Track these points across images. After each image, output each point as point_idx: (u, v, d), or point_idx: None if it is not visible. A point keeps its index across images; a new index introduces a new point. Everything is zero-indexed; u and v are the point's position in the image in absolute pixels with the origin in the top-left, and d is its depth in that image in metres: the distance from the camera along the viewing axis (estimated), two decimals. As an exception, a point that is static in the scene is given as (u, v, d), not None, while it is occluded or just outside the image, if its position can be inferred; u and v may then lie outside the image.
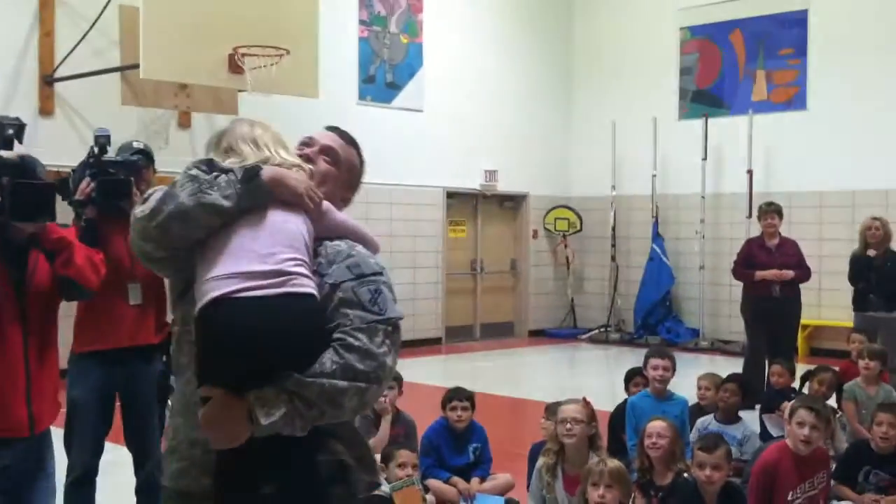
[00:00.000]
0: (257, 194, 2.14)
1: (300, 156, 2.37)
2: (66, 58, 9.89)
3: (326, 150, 2.44)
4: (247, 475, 2.07)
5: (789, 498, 4.69)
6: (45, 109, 10.06)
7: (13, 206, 2.94)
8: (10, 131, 3.38)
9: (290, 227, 2.16)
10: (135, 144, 4.68)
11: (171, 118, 10.80)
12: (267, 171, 2.18)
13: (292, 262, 2.09)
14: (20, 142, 3.16)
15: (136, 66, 8.69)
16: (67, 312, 4.11)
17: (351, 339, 2.08)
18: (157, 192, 2.18)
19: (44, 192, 3.17)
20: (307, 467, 2.11)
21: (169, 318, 2.47)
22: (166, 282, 2.35)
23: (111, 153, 4.49)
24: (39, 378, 3.28)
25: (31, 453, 3.32)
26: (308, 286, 2.09)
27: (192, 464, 2.16)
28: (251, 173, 2.15)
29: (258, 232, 2.12)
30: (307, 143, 2.46)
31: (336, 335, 2.09)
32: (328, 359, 2.06)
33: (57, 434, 4.49)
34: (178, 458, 2.20)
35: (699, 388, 6.51)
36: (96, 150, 4.39)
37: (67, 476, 4.44)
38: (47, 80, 10.05)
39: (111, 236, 4.24)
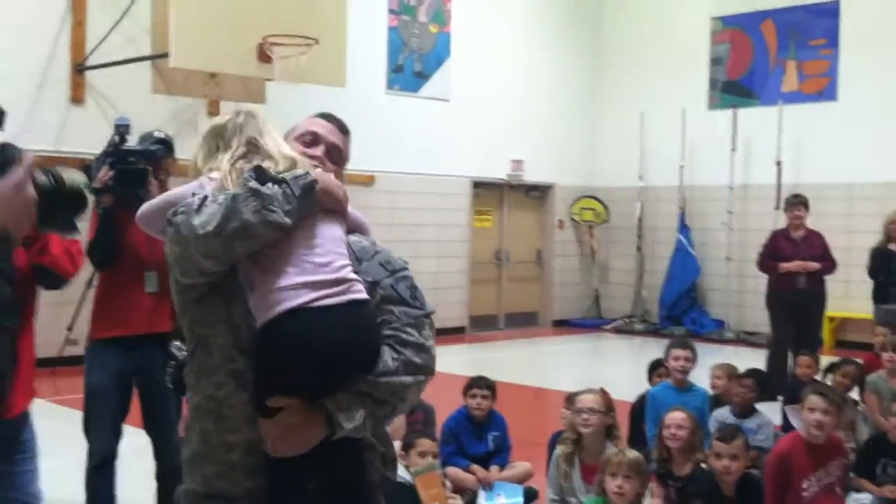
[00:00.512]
0: (310, 206, 2.16)
1: (310, 157, 2.35)
2: (97, 46, 10.01)
3: (332, 149, 2.43)
4: (301, 474, 2.11)
5: (804, 486, 4.71)
6: (77, 98, 10.19)
7: None
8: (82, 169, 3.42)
9: (337, 233, 2.21)
10: (156, 134, 4.74)
11: (200, 107, 10.90)
12: (319, 183, 2.19)
13: (347, 269, 2.15)
14: (1, 128, 3.18)
15: (167, 55, 8.79)
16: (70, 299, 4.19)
17: (404, 336, 2.16)
18: (212, 205, 2.07)
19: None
20: (356, 463, 2.19)
21: None
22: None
23: (132, 142, 4.56)
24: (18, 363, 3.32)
25: (4, 437, 3.35)
26: (363, 291, 2.15)
27: (232, 467, 2.14)
28: (308, 187, 2.13)
29: (313, 240, 2.15)
30: (311, 141, 2.41)
31: (387, 332, 2.15)
32: (388, 357, 2.13)
33: (76, 420, 4.60)
34: (212, 462, 2.15)
35: (712, 377, 6.51)
36: (116, 138, 4.47)
37: (88, 461, 4.53)
38: (79, 69, 10.18)
39: (128, 224, 4.23)
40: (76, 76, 10.20)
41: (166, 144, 4.66)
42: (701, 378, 6.42)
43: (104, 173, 4.36)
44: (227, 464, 2.14)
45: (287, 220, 2.08)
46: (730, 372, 6.46)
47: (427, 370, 2.18)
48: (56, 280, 3.48)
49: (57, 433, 4.82)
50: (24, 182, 1.60)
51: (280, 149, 2.25)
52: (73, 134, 9.91)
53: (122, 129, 4.49)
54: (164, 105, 10.16)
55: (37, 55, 9.99)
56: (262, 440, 2.10)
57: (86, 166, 4.51)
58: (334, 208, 2.22)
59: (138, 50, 9.93)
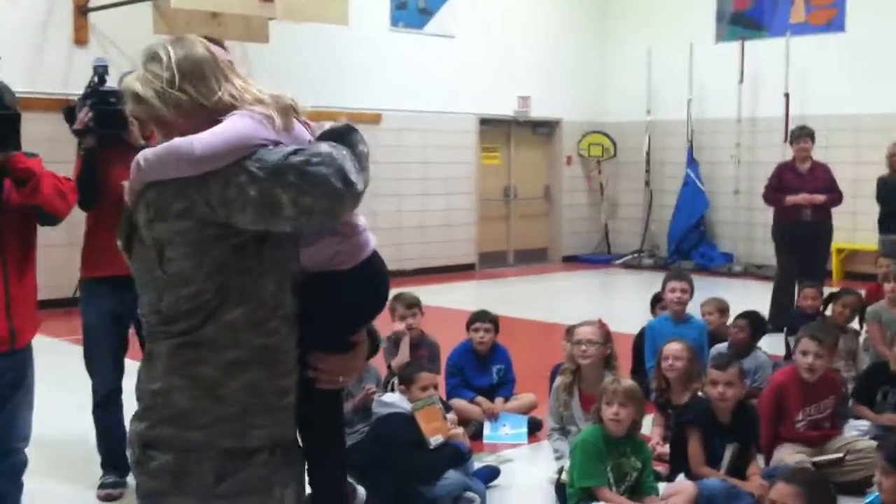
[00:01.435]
0: None
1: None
2: (99, -13, 10.00)
3: None
4: (338, 402, 2.35)
5: (798, 418, 4.81)
6: (80, 39, 10.18)
7: None
8: None
9: None
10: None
11: (203, 47, 10.87)
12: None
13: None
14: None
15: (169, -5, 8.77)
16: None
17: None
18: (349, 161, 2.02)
19: (8, 122, 3.26)
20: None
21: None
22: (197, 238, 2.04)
23: (112, 83, 4.57)
24: (18, 295, 3.46)
25: (12, 367, 3.51)
26: None
27: (288, 413, 2.15)
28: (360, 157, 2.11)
29: None
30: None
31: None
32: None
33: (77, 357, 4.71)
34: (267, 411, 2.10)
35: (703, 313, 6.53)
36: (95, 79, 4.50)
37: (93, 398, 4.66)
38: (82, 10, 10.16)
39: (111, 165, 4.34)
40: (79, 18, 10.18)
41: None
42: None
43: (84, 114, 4.40)
44: (284, 409, 2.13)
45: None
46: (720, 307, 6.50)
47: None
48: (49, 218, 3.57)
49: (76, 370, 4.93)
50: None
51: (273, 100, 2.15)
52: (78, 75, 9.88)
53: (100, 70, 4.52)
54: None
55: (39, -2, 9.97)
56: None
57: (69, 107, 4.56)
58: None
59: (140, -10, 9.89)
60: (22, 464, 3.65)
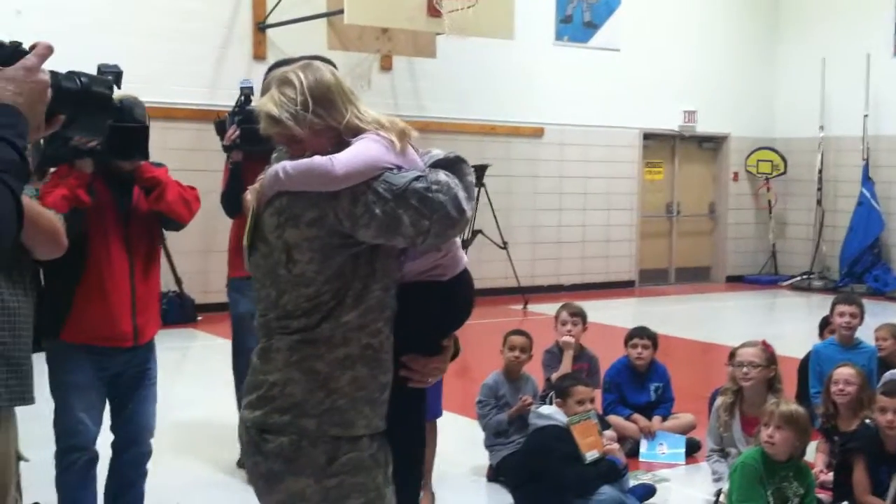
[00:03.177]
0: None
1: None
2: (276, 5, 10.46)
3: None
4: (420, 402, 2.54)
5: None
6: (258, 54, 10.68)
7: (109, 145, 3.27)
8: (110, 77, 3.72)
9: None
10: None
11: (373, 62, 11.22)
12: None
13: None
14: (118, 87, 3.48)
15: (341, 12, 9.09)
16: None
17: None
18: (461, 191, 2.25)
19: (136, 134, 3.48)
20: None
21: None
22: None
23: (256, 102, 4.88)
24: (143, 295, 3.70)
25: (136, 363, 3.74)
26: None
27: (385, 405, 2.35)
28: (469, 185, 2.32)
29: None
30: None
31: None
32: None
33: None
34: (370, 404, 2.30)
35: (876, 338, 6.23)
36: (242, 99, 4.82)
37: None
38: (260, 27, 10.67)
39: (256, 175, 4.61)
40: (258, 34, 10.69)
41: None
42: (871, 338, 6.22)
43: (232, 132, 4.77)
44: (383, 402, 2.33)
45: None
46: (895, 332, 6.20)
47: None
48: (173, 224, 3.84)
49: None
50: (35, 66, 1.67)
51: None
52: (257, 89, 10.39)
53: (246, 91, 4.91)
54: (339, 60, 10.22)
55: (222, 15, 10.52)
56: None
57: (220, 121, 4.89)
58: None
59: (315, 8, 10.29)
60: (147, 454, 3.87)
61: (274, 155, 2.43)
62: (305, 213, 2.20)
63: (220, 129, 4.94)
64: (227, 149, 4.83)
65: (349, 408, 2.27)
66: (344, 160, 2.18)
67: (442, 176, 2.24)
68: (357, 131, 2.27)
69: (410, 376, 2.39)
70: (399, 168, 2.24)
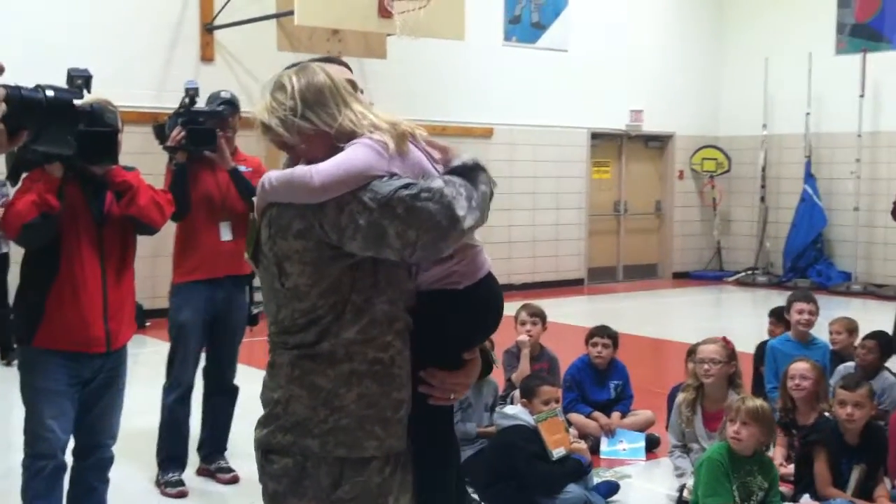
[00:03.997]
0: None
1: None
2: (224, 6, 10.32)
3: None
4: (450, 417, 2.37)
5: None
6: (206, 56, 10.56)
7: (80, 150, 3.23)
8: (80, 82, 3.71)
9: None
10: (222, 94, 5.09)
11: (322, 63, 11.15)
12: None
13: None
14: (88, 91, 3.44)
15: (291, 13, 9.04)
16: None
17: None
18: (476, 194, 2.15)
19: (106, 139, 3.46)
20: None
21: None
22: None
23: (201, 103, 4.95)
24: (116, 300, 3.67)
25: (107, 368, 3.71)
26: None
27: (402, 423, 2.19)
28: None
29: None
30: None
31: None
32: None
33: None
34: (382, 423, 2.15)
35: (831, 332, 6.36)
36: (186, 100, 4.83)
37: (171, 391, 4.93)
38: (208, 28, 10.53)
39: (200, 177, 4.79)
40: (205, 35, 10.56)
41: (231, 104, 5.03)
42: (823, 331, 6.35)
43: (177, 133, 4.74)
44: (398, 421, 2.17)
45: None
46: (849, 327, 6.33)
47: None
48: (145, 228, 3.82)
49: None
50: None
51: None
52: (204, 91, 10.26)
53: (191, 92, 4.91)
54: (290, 62, 10.38)
55: (169, 16, 10.36)
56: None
57: (159, 124, 4.88)
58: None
59: (264, 8, 10.21)
60: (109, 460, 3.84)
61: (283, 161, 2.31)
62: (293, 224, 2.09)
63: (160, 133, 4.91)
64: (170, 150, 4.79)
65: (356, 427, 2.13)
66: (324, 171, 2.06)
67: (438, 183, 2.09)
68: (351, 136, 2.14)
69: (430, 392, 2.23)
70: (392, 175, 2.09)
